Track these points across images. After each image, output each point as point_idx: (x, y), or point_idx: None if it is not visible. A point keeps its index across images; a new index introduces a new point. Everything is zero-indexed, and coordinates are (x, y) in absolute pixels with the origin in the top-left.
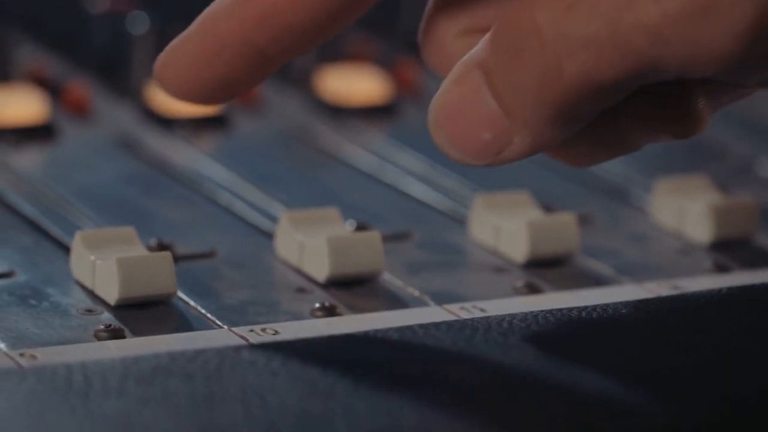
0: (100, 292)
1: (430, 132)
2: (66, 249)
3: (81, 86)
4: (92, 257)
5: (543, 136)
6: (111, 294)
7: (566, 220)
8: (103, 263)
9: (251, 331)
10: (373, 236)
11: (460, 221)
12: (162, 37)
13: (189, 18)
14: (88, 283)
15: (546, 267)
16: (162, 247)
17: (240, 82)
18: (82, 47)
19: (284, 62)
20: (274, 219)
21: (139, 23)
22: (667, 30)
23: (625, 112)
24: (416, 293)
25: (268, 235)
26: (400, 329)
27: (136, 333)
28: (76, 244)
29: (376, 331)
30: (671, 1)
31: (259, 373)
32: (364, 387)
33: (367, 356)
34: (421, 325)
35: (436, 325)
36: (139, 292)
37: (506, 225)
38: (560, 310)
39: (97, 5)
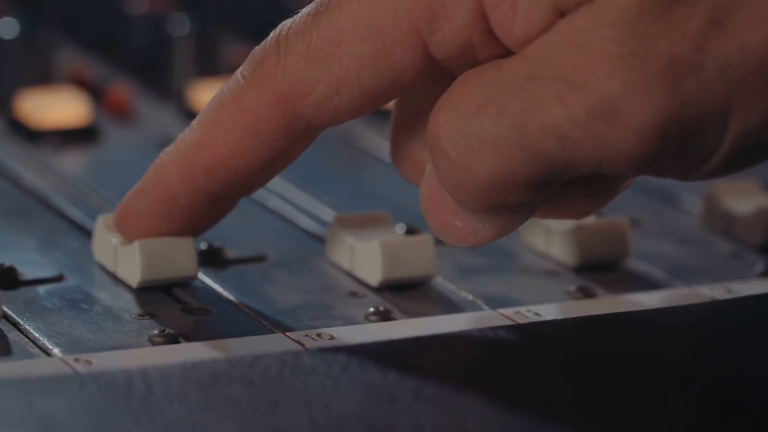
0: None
1: (424, 219)
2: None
3: (122, 88)
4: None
5: (501, 223)
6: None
7: (618, 223)
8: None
9: (306, 335)
10: (426, 240)
11: None
12: (202, 39)
13: (228, 19)
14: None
15: (597, 271)
16: (213, 252)
17: (199, 224)
18: (122, 49)
19: (240, 198)
20: (321, 222)
21: (180, 25)
22: (575, 133)
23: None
24: (469, 297)
25: (317, 238)
26: (459, 334)
27: (190, 338)
28: (133, 249)
29: (435, 335)
30: (577, 105)
31: (321, 379)
32: (427, 392)
33: (427, 361)
34: (480, 330)
35: (495, 330)
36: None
37: (557, 229)
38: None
39: (137, 7)
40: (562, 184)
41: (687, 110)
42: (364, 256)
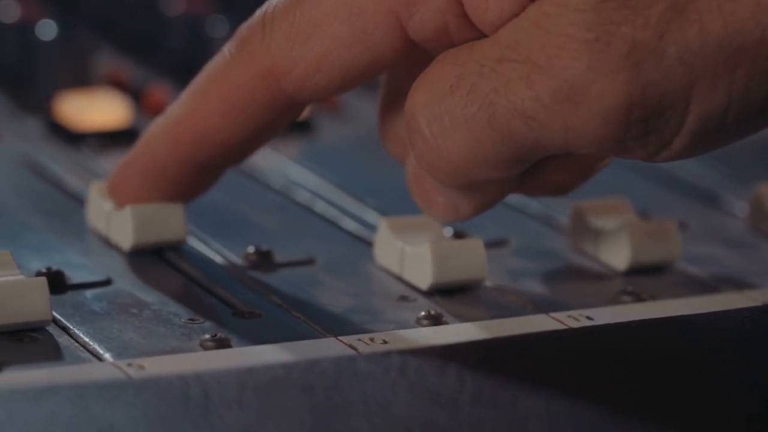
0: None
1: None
2: (161, 255)
3: (162, 90)
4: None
5: (478, 199)
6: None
7: (668, 227)
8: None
9: (359, 340)
10: (476, 243)
11: (556, 228)
12: None
13: None
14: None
15: (646, 274)
16: (261, 255)
17: (188, 192)
18: (159, 50)
19: (227, 168)
20: (366, 224)
21: (218, 26)
22: (541, 114)
23: None
24: (520, 301)
25: (364, 242)
26: (514, 338)
27: (241, 343)
28: (125, 214)
29: (491, 339)
30: (543, 87)
31: (379, 384)
32: (486, 397)
33: (484, 365)
34: (534, 334)
35: (549, 334)
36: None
37: (606, 232)
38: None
39: (174, 8)
40: (540, 161)
41: (649, 94)
42: (414, 260)
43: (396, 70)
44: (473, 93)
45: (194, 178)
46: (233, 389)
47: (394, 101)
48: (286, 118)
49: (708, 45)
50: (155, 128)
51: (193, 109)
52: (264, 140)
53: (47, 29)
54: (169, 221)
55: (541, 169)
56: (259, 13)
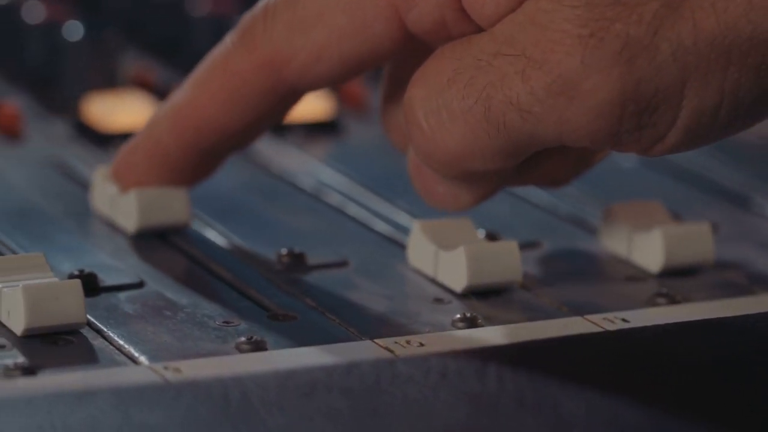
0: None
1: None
2: (193, 258)
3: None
4: None
5: (476, 189)
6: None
7: (701, 229)
8: None
9: (396, 342)
10: (511, 246)
11: (588, 230)
12: None
13: None
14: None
15: (679, 276)
16: (294, 257)
17: (191, 177)
18: (184, 52)
19: (229, 154)
20: (398, 226)
21: None
22: (536, 108)
23: None
24: (555, 303)
25: (396, 243)
26: (552, 340)
27: (275, 346)
28: (130, 198)
29: (528, 342)
30: (538, 82)
31: (420, 388)
32: (528, 400)
33: (525, 368)
34: (572, 337)
35: (587, 337)
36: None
37: (640, 234)
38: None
39: (200, 9)
40: (536, 153)
41: (642, 89)
42: (449, 262)
43: (397, 61)
44: (470, 87)
45: (197, 163)
46: (273, 392)
47: (395, 92)
48: (286, 107)
49: (701, 42)
50: (159, 114)
51: (195, 96)
52: (265, 127)
53: (73, 30)
54: (173, 205)
55: (538, 161)
56: (261, 3)
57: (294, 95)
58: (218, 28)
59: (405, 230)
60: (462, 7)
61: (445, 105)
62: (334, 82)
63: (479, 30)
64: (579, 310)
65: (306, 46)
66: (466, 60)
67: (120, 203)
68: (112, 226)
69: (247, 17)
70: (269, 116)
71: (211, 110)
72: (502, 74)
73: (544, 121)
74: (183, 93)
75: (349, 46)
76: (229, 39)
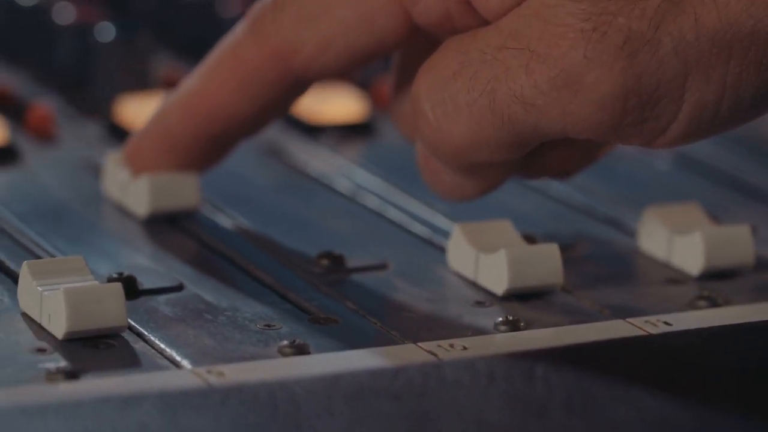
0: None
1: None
2: (231, 261)
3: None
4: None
5: (482, 179)
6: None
7: (741, 231)
8: None
9: (439, 346)
10: (552, 248)
11: (626, 232)
12: None
13: None
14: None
15: (719, 279)
16: (333, 260)
17: (201, 163)
18: None
19: (239, 142)
20: (435, 229)
21: None
22: (540, 101)
23: None
24: (595, 306)
25: (435, 246)
26: (597, 343)
27: (318, 349)
28: (141, 183)
29: (575, 345)
30: (542, 75)
31: (468, 392)
32: (577, 404)
33: (571, 372)
34: (617, 340)
35: (632, 340)
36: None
37: (680, 236)
38: None
39: (228, 10)
40: (542, 145)
41: (644, 83)
42: (490, 265)
43: (405, 52)
44: (475, 79)
45: (206, 150)
46: (321, 397)
47: (403, 82)
48: (294, 95)
49: (702, 37)
50: (169, 101)
51: (205, 84)
52: (274, 116)
53: (105, 31)
54: (184, 189)
55: (543, 152)
56: None
57: (302, 84)
58: None
59: (443, 232)
60: (467, 0)
61: (451, 97)
62: (341, 72)
63: (485, 23)
64: (620, 313)
65: (313, 38)
66: (472, 53)
67: (131, 188)
68: (123, 211)
69: (257, 7)
70: (278, 104)
71: (221, 98)
72: (507, 67)
73: (547, 113)
74: (193, 80)
75: (356, 38)
76: (239, 28)
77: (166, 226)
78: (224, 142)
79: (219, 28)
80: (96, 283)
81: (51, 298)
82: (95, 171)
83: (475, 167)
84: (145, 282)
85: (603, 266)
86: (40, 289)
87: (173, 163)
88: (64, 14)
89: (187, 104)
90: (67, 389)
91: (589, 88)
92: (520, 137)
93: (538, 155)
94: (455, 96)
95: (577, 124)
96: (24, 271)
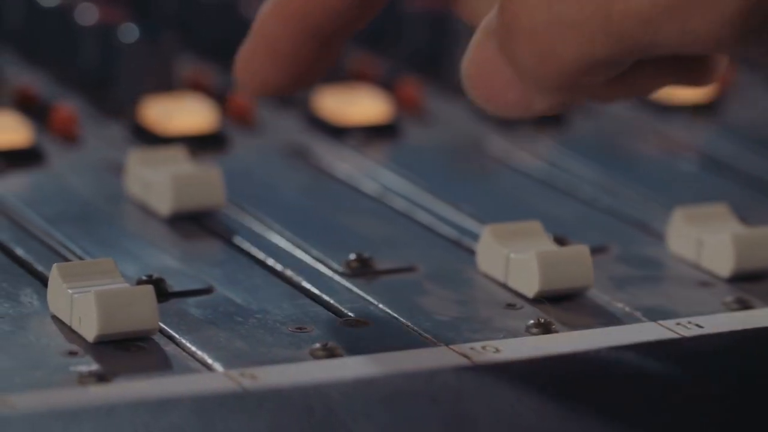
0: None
1: (465, 88)
2: (260, 263)
3: (244, 95)
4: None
5: (561, 98)
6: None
7: None
8: None
9: (471, 348)
10: (583, 250)
11: (654, 234)
12: None
13: None
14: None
15: (749, 281)
16: (362, 262)
17: (306, 72)
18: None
19: (341, 44)
20: (463, 230)
21: None
22: (658, 17)
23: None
24: (626, 308)
25: (463, 248)
26: (633, 346)
27: (350, 352)
28: (164, 182)
29: (610, 348)
30: None
31: (505, 394)
32: (614, 407)
33: (607, 375)
34: (651, 343)
35: (665, 343)
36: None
37: (709, 238)
38: None
39: (252, 11)
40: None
41: None
42: (520, 267)
43: None
44: None
45: (309, 51)
46: (357, 401)
47: None
48: None
49: None
50: (265, 8)
51: None
52: (373, 12)
53: (128, 32)
54: (209, 187)
55: (633, 71)
56: None
57: None
58: None
59: (470, 234)
60: None
61: (559, 16)
62: None
63: None
64: (651, 315)
65: None
66: None
67: (154, 186)
68: (147, 210)
69: None
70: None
71: None
72: None
73: (664, 30)
74: None
75: None
76: None
77: (192, 227)
78: (326, 42)
79: (242, 28)
80: (127, 285)
81: (82, 301)
82: (119, 172)
83: (568, 88)
84: (175, 284)
85: (632, 268)
86: (70, 291)
87: (282, 71)
88: (87, 15)
89: (284, 6)
90: (100, 392)
91: (712, 1)
92: (631, 55)
93: (628, 74)
94: (564, 15)
95: (697, 39)
96: (54, 273)
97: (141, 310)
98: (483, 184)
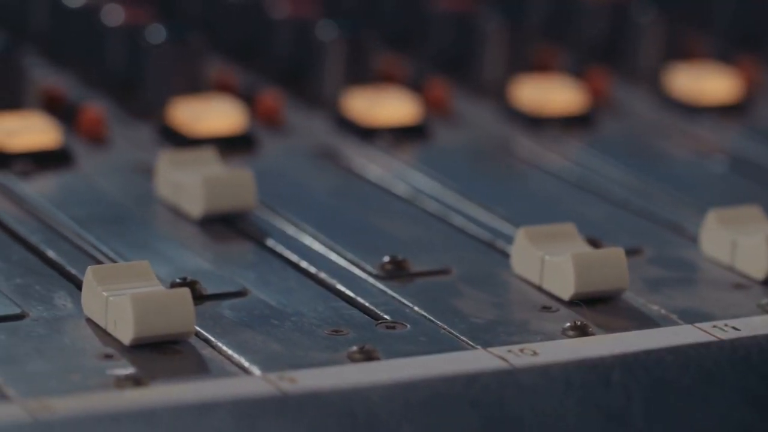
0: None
1: None
2: (293, 265)
3: (273, 95)
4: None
5: None
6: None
7: None
8: None
9: (509, 351)
10: (618, 252)
11: (687, 237)
12: (353, 45)
13: (379, 26)
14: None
15: None
16: (396, 264)
17: None
18: (264, 55)
19: None
20: (495, 232)
21: (328, 31)
22: None
23: None
24: (662, 311)
25: (496, 250)
26: (672, 349)
27: (387, 355)
28: (196, 183)
29: (648, 350)
30: None
31: (546, 398)
32: (657, 410)
33: (647, 378)
34: (690, 346)
35: (704, 346)
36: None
37: (743, 240)
38: None
39: (278, 11)
40: None
41: None
42: (556, 270)
43: None
44: None
45: None
46: (398, 404)
47: None
48: None
49: None
50: None
51: None
52: None
53: (156, 33)
54: (240, 189)
55: None
56: None
57: None
58: (298, 31)
59: (503, 236)
60: None
61: None
62: None
63: None
64: (687, 317)
65: None
66: None
67: (185, 188)
68: (177, 212)
69: None
70: None
71: None
72: None
73: None
74: None
75: None
76: None
77: (223, 228)
78: None
79: (268, 29)
80: (163, 288)
81: (117, 304)
82: (148, 174)
83: None
84: (209, 287)
85: (666, 270)
86: (105, 294)
87: None
88: (113, 16)
89: None
90: (138, 396)
91: None
92: None
93: None
94: None
95: None
96: (88, 276)
97: (177, 314)
98: (512, 185)
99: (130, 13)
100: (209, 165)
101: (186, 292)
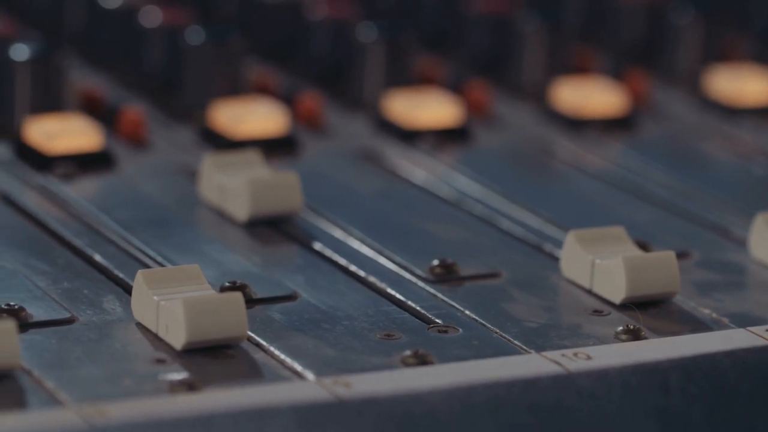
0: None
1: None
2: (342, 269)
3: (312, 97)
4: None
5: None
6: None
7: None
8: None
9: (563, 355)
10: (669, 256)
11: (735, 240)
12: (392, 47)
13: (418, 27)
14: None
15: None
16: (446, 268)
17: None
18: (302, 56)
19: None
20: (543, 235)
21: (368, 33)
22: None
23: None
24: (713, 315)
25: (545, 253)
26: (725, 353)
27: (441, 359)
28: (241, 186)
29: (704, 354)
30: None
31: (605, 402)
32: (719, 415)
33: (706, 382)
34: (745, 350)
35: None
36: None
37: None
38: None
39: (315, 13)
40: None
41: None
42: (607, 273)
43: None
44: None
45: None
46: (457, 409)
47: None
48: None
49: None
50: None
51: None
52: None
53: (195, 35)
54: (286, 191)
55: None
56: None
57: None
58: (337, 32)
59: (551, 240)
60: None
61: None
62: None
63: None
64: (739, 321)
65: None
66: None
67: (230, 191)
68: (222, 215)
69: None
70: None
71: None
72: None
73: None
74: None
75: None
76: None
77: (269, 231)
78: None
79: (305, 31)
80: (214, 292)
81: (169, 308)
82: (191, 176)
83: None
84: (258, 291)
85: (715, 274)
86: (156, 298)
87: None
88: (151, 17)
89: None
90: (194, 401)
91: None
92: None
93: None
94: None
95: None
96: (138, 280)
97: (230, 318)
98: (555, 187)
99: (168, 14)
100: (254, 167)
101: (238, 296)
